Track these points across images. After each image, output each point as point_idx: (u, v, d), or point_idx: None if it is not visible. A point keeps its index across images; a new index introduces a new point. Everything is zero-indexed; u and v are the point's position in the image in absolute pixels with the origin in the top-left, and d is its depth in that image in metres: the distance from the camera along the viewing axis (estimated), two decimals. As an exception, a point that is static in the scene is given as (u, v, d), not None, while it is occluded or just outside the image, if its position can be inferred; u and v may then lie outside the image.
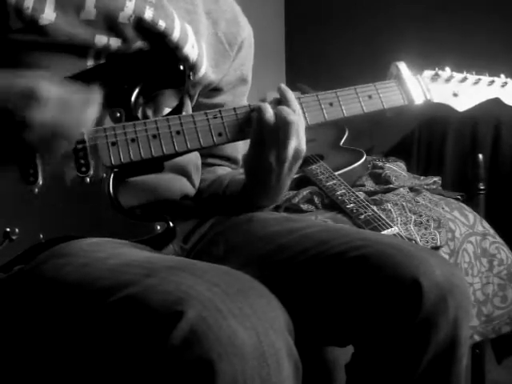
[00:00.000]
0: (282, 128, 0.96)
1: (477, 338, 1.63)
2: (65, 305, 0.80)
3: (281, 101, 1.00)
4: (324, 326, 0.96)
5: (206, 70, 1.12)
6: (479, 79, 1.15)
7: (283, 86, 1.02)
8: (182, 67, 1.02)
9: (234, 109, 1.00)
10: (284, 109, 0.97)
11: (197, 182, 1.19)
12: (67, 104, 0.88)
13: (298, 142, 0.98)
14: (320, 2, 3.34)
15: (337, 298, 0.93)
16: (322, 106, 1.04)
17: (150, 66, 1.01)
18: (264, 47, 3.15)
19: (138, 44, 1.03)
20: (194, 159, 1.16)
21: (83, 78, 0.97)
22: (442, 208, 1.66)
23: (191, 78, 1.08)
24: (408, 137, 2.66)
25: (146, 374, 0.70)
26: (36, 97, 0.86)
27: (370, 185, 1.77)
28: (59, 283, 0.81)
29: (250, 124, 1.00)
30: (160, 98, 1.07)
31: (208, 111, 1.00)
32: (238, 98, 1.24)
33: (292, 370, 0.72)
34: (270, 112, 0.97)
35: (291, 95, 1.00)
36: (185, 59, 1.07)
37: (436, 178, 1.86)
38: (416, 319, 0.87)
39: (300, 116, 0.99)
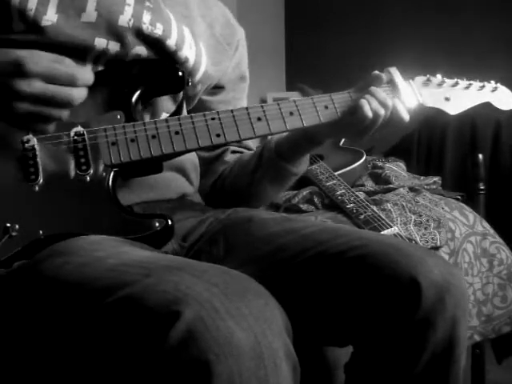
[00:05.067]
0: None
1: (477, 337, 1.62)
2: (64, 304, 0.80)
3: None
4: (323, 325, 0.97)
5: (206, 69, 1.14)
6: (470, 84, 1.16)
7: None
8: (180, 73, 1.02)
9: (232, 110, 1.01)
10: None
11: (195, 181, 1.20)
12: (54, 78, 0.90)
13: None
14: (320, 2, 3.34)
15: (336, 298, 0.93)
16: (318, 109, 1.06)
17: (149, 73, 1.02)
18: (264, 47, 3.18)
19: (137, 49, 1.04)
20: (191, 158, 1.17)
21: None
22: (442, 208, 1.66)
23: (189, 83, 1.09)
24: (408, 137, 2.66)
25: (144, 373, 0.70)
26: (22, 70, 0.88)
27: (369, 185, 1.76)
28: (59, 282, 0.81)
29: (247, 125, 1.01)
30: (157, 103, 1.08)
31: (206, 113, 1.00)
32: (240, 95, 1.27)
33: (290, 371, 0.72)
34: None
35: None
36: (185, 60, 1.09)
37: (436, 178, 1.86)
38: (414, 318, 0.88)
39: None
